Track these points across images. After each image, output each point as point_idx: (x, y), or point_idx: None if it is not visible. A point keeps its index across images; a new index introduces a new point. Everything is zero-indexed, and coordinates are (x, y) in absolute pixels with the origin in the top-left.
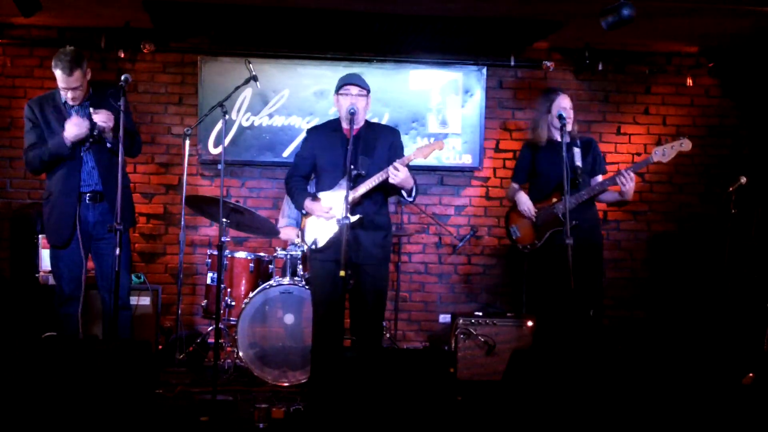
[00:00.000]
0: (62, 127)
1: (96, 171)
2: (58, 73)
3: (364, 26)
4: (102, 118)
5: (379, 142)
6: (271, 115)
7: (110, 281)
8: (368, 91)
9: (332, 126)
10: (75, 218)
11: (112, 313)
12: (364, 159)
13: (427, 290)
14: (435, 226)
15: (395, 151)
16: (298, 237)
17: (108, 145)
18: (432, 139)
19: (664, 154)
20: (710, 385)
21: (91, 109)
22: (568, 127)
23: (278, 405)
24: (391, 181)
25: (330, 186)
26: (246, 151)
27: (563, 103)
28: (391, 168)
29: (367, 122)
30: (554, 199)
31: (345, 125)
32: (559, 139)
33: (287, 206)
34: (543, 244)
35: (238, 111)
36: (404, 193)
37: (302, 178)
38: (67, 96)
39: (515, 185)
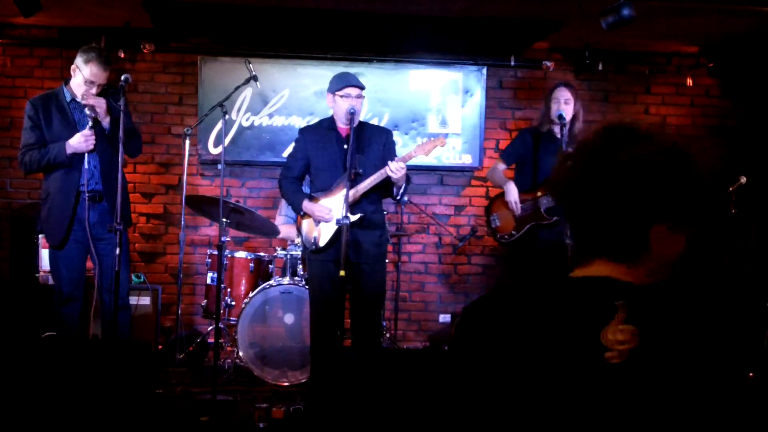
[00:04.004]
0: (65, 127)
1: (98, 171)
2: (92, 68)
3: (364, 26)
4: (93, 101)
5: (372, 140)
6: (271, 115)
7: (110, 281)
8: (362, 89)
9: (325, 125)
10: (71, 218)
11: (112, 313)
12: (361, 158)
13: (427, 290)
14: (435, 226)
15: (389, 149)
16: (297, 236)
17: (105, 130)
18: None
19: None
20: (710, 383)
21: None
22: (567, 115)
23: (278, 405)
24: (392, 177)
25: (326, 185)
26: (246, 151)
27: (557, 95)
28: (391, 165)
29: (359, 122)
30: (539, 193)
31: (341, 125)
32: (558, 135)
33: (284, 204)
34: (521, 236)
35: (238, 111)
36: (395, 190)
37: (296, 179)
38: (89, 91)
39: (501, 166)
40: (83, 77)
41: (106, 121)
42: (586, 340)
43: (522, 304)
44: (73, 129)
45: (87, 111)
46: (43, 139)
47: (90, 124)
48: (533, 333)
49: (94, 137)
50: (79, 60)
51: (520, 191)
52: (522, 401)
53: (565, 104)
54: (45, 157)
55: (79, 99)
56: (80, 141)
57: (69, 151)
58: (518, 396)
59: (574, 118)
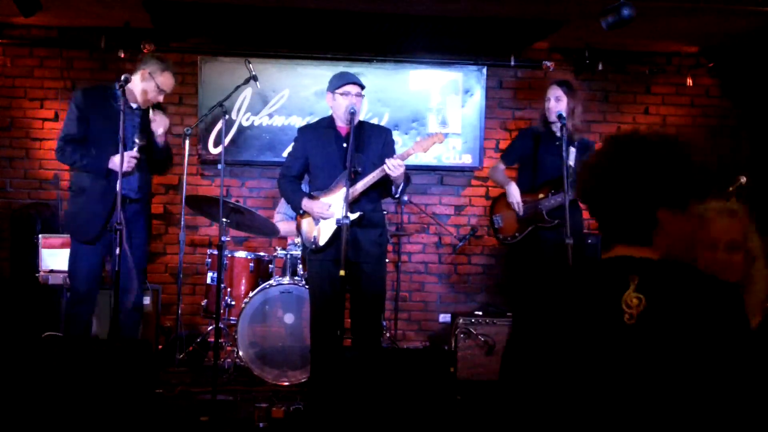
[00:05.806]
0: (109, 124)
1: (134, 177)
2: (168, 77)
3: (364, 26)
4: (158, 124)
5: (372, 139)
6: (271, 115)
7: (127, 281)
8: (362, 88)
9: (324, 124)
10: (106, 219)
11: (122, 312)
12: (360, 156)
13: (427, 290)
14: (435, 226)
15: (388, 148)
16: (297, 235)
17: (158, 145)
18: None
19: None
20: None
21: (151, 113)
22: (554, 114)
23: (278, 405)
24: (390, 175)
25: (325, 184)
26: (246, 151)
27: (549, 93)
28: (389, 162)
29: (358, 121)
30: (541, 195)
31: (340, 123)
32: (559, 134)
33: (282, 202)
34: (523, 238)
35: (238, 111)
36: (393, 189)
37: (295, 178)
38: (157, 99)
39: (501, 166)
40: (155, 83)
41: (161, 140)
42: (609, 305)
43: (564, 283)
44: (115, 130)
45: (136, 140)
46: (85, 133)
47: (137, 148)
48: (573, 304)
49: (134, 160)
50: (154, 66)
51: (522, 192)
52: (565, 356)
53: (556, 102)
54: (80, 162)
55: (133, 103)
56: (124, 162)
57: (110, 166)
58: (563, 352)
59: (570, 115)
